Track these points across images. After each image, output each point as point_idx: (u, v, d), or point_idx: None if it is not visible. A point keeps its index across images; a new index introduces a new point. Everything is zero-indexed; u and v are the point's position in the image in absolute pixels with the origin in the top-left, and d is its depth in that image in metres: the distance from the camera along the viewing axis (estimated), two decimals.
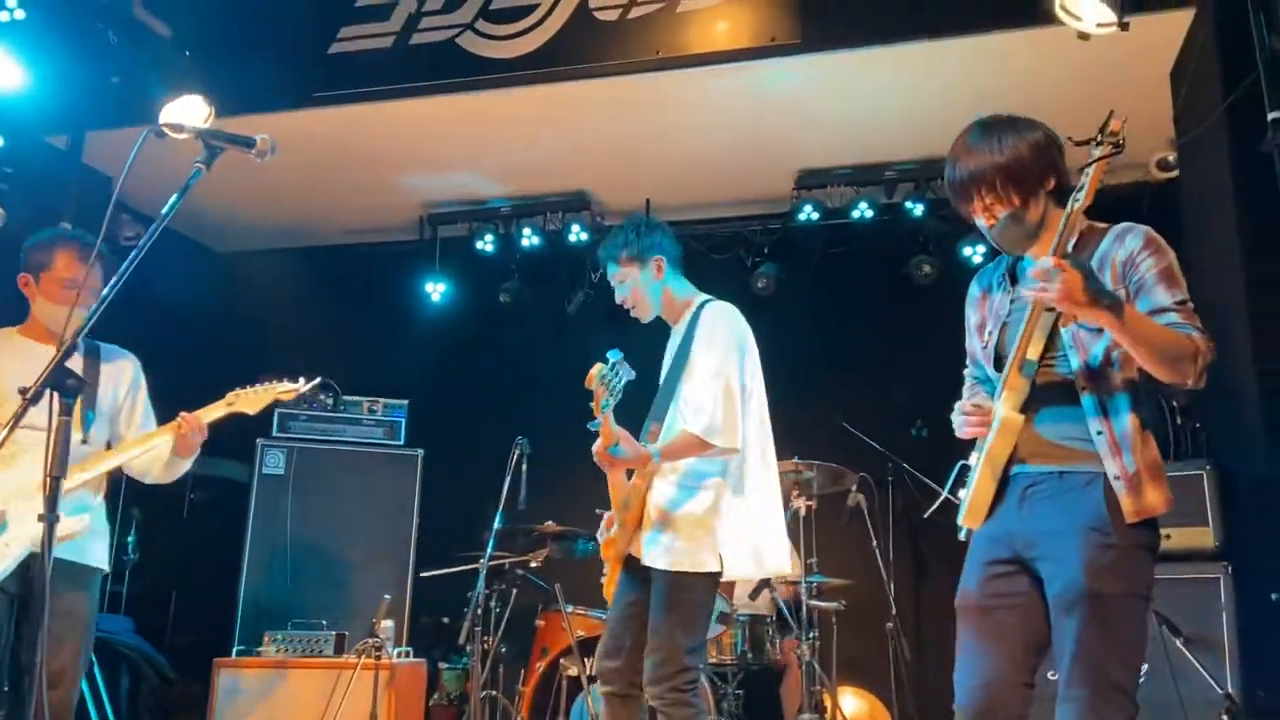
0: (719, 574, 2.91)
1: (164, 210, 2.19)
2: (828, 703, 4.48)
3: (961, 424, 2.31)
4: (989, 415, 2.26)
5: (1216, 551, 3.50)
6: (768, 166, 5.54)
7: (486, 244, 5.96)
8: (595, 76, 4.71)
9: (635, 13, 4.67)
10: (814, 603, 4.38)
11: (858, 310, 5.80)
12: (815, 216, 5.52)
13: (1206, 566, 3.47)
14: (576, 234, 5.80)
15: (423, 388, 5.83)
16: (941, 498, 2.43)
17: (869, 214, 5.49)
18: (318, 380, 2.93)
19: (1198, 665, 3.31)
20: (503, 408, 5.77)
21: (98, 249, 2.76)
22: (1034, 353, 2.20)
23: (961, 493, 2.30)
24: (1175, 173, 4.84)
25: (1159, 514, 2.11)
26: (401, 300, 6.12)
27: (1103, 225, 2.24)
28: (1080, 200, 2.09)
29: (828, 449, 4.90)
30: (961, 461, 2.35)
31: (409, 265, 6.14)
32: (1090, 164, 2.08)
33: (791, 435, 5.20)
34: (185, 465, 3.08)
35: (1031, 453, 2.22)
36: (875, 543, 4.80)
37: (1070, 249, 2.15)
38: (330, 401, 5.43)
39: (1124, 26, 3.62)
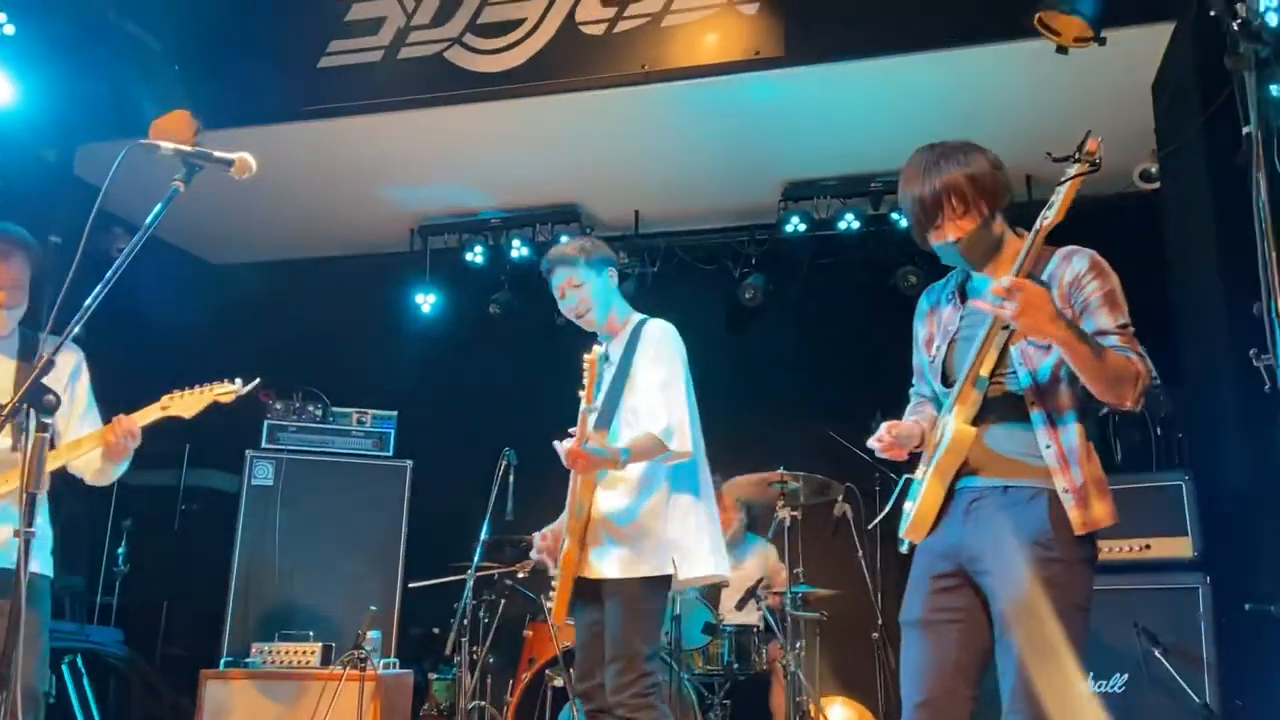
0: (671, 578, 2.96)
1: (146, 221, 2.22)
2: (813, 711, 4.49)
3: (875, 446, 2.35)
4: (906, 442, 2.30)
5: (1196, 562, 3.53)
6: (755, 178, 5.57)
7: (476, 255, 5.99)
8: (582, 90, 4.74)
9: (621, 27, 4.71)
10: (798, 613, 4.39)
11: (845, 320, 5.83)
12: (802, 227, 5.55)
13: (1186, 577, 3.49)
14: None
15: (412, 398, 5.84)
16: (885, 511, 2.46)
17: (856, 225, 5.53)
18: (257, 381, 2.83)
19: (1175, 675, 3.33)
20: (491, 418, 5.80)
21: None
22: (986, 369, 2.24)
23: (906, 505, 2.34)
24: (1157, 184, 4.87)
25: (1105, 526, 2.15)
26: (392, 311, 6.15)
27: (1050, 247, 2.28)
28: (1050, 217, 2.12)
29: (814, 459, 4.92)
30: (906, 475, 2.39)
31: (399, 276, 6.16)
32: (1064, 181, 2.11)
33: (778, 446, 5.26)
34: (118, 470, 2.94)
35: (980, 466, 2.26)
36: (861, 553, 4.82)
37: (1014, 270, 2.19)
38: (319, 413, 5.50)
39: (1101, 42, 3.66)
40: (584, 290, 3.16)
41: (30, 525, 1.93)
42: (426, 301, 6.06)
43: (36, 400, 1.97)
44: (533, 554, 3.23)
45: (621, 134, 5.17)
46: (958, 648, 2.20)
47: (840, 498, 4.73)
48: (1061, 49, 3.76)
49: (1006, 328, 2.20)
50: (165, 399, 2.83)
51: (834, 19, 4.53)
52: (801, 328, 5.93)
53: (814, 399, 5.70)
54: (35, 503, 1.95)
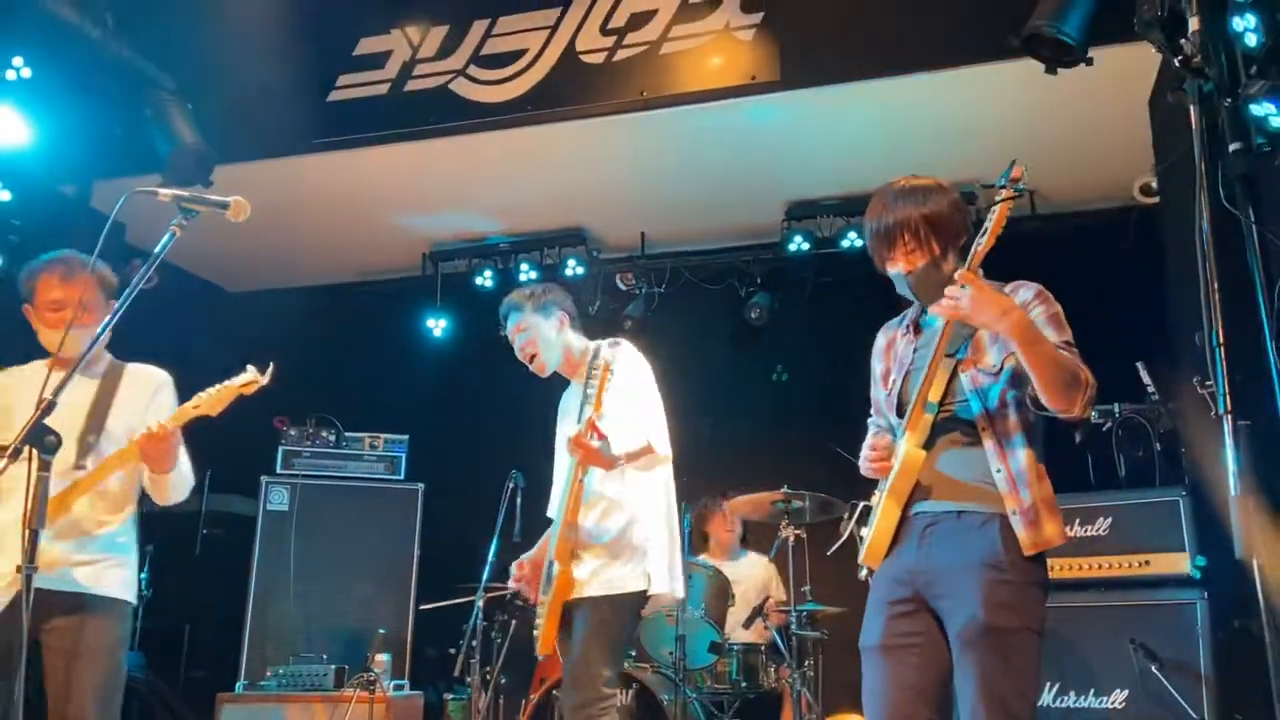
0: (645, 594, 3.04)
1: (150, 256, 2.33)
2: None
3: (865, 464, 2.40)
4: (889, 454, 2.34)
5: (1194, 578, 3.52)
6: (757, 198, 5.63)
7: (486, 280, 6.08)
8: (583, 118, 4.83)
9: (620, 55, 4.80)
10: (801, 632, 4.41)
11: (850, 338, 5.81)
12: (806, 246, 5.60)
13: (1183, 593, 3.49)
14: (573, 268, 5.91)
15: (423, 422, 5.93)
16: (842, 539, 2.50)
17: (859, 243, 5.56)
18: (270, 366, 2.85)
19: (1173, 691, 3.33)
20: (501, 441, 5.85)
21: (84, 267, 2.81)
22: (935, 395, 2.29)
23: (863, 532, 2.38)
24: (1158, 198, 4.88)
25: (1055, 545, 2.20)
26: (404, 336, 6.25)
27: (997, 283, 2.33)
28: (983, 242, 2.22)
29: (819, 477, 4.95)
30: (863, 502, 2.43)
31: (411, 302, 6.26)
32: (993, 206, 2.19)
33: (783, 464, 5.29)
34: (175, 485, 2.93)
35: (932, 491, 2.30)
36: (865, 570, 4.82)
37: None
38: (332, 438, 5.60)
39: (1088, 62, 3.69)
40: (530, 334, 3.26)
41: (32, 561, 2.02)
42: (438, 326, 6.15)
43: (39, 440, 2.06)
44: (511, 584, 3.30)
45: (625, 158, 5.25)
46: (917, 672, 2.24)
47: (846, 515, 4.74)
48: (1051, 70, 3.80)
49: (952, 355, 2.27)
50: (195, 399, 2.81)
51: (828, 43, 4.59)
52: (807, 345, 5.96)
53: (820, 416, 5.71)
54: (38, 540, 2.03)
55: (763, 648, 4.68)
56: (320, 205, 5.64)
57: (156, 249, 2.37)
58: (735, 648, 4.57)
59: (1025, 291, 2.32)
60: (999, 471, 2.22)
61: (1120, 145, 4.82)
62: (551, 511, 3.42)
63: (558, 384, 3.51)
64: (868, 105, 4.74)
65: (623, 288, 6.20)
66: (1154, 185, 4.84)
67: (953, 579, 2.21)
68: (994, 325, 2.17)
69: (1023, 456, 2.23)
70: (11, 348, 4.14)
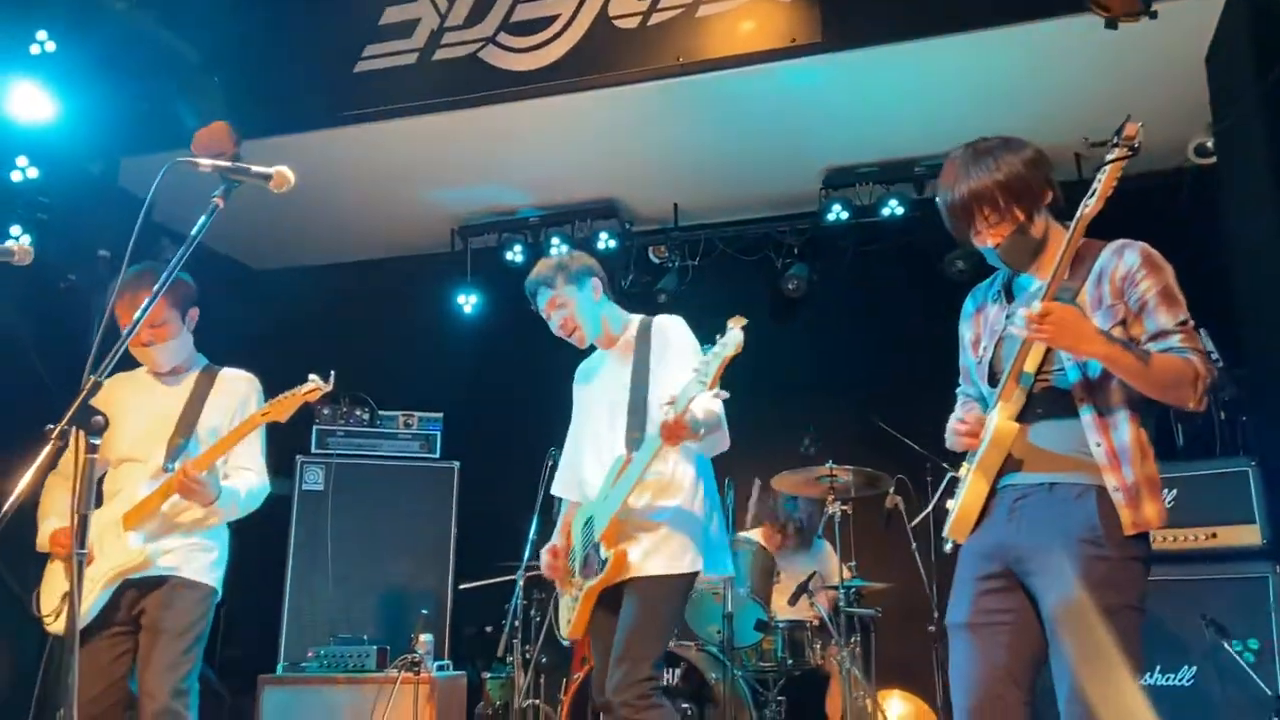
0: (696, 575, 2.99)
1: (189, 235, 2.23)
2: (870, 708, 4.43)
3: (953, 437, 2.30)
4: (979, 427, 2.23)
5: (1264, 550, 3.41)
6: (794, 166, 5.49)
7: (516, 254, 5.97)
8: (617, 85, 4.70)
9: (655, 19, 4.66)
10: (851, 609, 4.33)
11: (891, 309, 5.73)
12: (845, 215, 5.46)
13: (1254, 565, 3.38)
14: (605, 241, 5.79)
15: (457, 399, 5.86)
16: (927, 509, 2.41)
17: (899, 211, 5.43)
18: (333, 374, 2.94)
19: (1245, 667, 3.23)
20: (536, 417, 5.76)
21: (162, 281, 2.80)
22: (1031, 365, 2.18)
23: (949, 504, 2.28)
24: (1214, 159, 4.71)
25: (1154, 527, 2.09)
26: (434, 313, 6.16)
27: (1098, 241, 2.23)
28: (1090, 205, 2.07)
29: (863, 451, 4.86)
30: (951, 474, 2.33)
31: (441, 278, 6.17)
32: (1103, 166, 2.05)
33: (828, 438, 5.19)
34: (212, 510, 3.02)
35: (1024, 464, 2.20)
36: (914, 545, 4.74)
37: (1067, 266, 2.13)
38: (367, 417, 5.54)
39: (1152, 15, 3.54)
40: (568, 309, 3.15)
41: (82, 547, 1.95)
42: (468, 302, 6.06)
43: (84, 422, 1.98)
44: (544, 571, 3.23)
45: (658, 127, 5.12)
46: (1007, 651, 2.15)
47: (891, 490, 4.65)
48: (1111, 23, 3.65)
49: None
50: (265, 406, 2.96)
51: (870, 3, 4.44)
52: (847, 317, 5.84)
53: (862, 390, 5.61)
54: (87, 525, 1.95)
55: (809, 625, 4.61)
56: (346, 180, 5.54)
57: (199, 222, 2.27)
58: (781, 625, 4.50)
59: (1131, 255, 2.18)
60: (1099, 445, 2.11)
61: (1174, 106, 4.66)
62: (566, 490, 3.33)
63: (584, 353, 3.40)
64: (910, 68, 4.58)
65: (655, 261, 6.08)
66: (1210, 146, 4.68)
67: (1046, 555, 2.11)
68: (1076, 353, 2.09)
69: (1126, 431, 2.12)
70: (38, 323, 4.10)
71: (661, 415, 2.77)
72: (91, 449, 1.98)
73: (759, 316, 6.33)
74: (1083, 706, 2.02)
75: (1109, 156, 2.05)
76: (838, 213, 5.46)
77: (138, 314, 2.18)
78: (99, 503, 3.08)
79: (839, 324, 5.86)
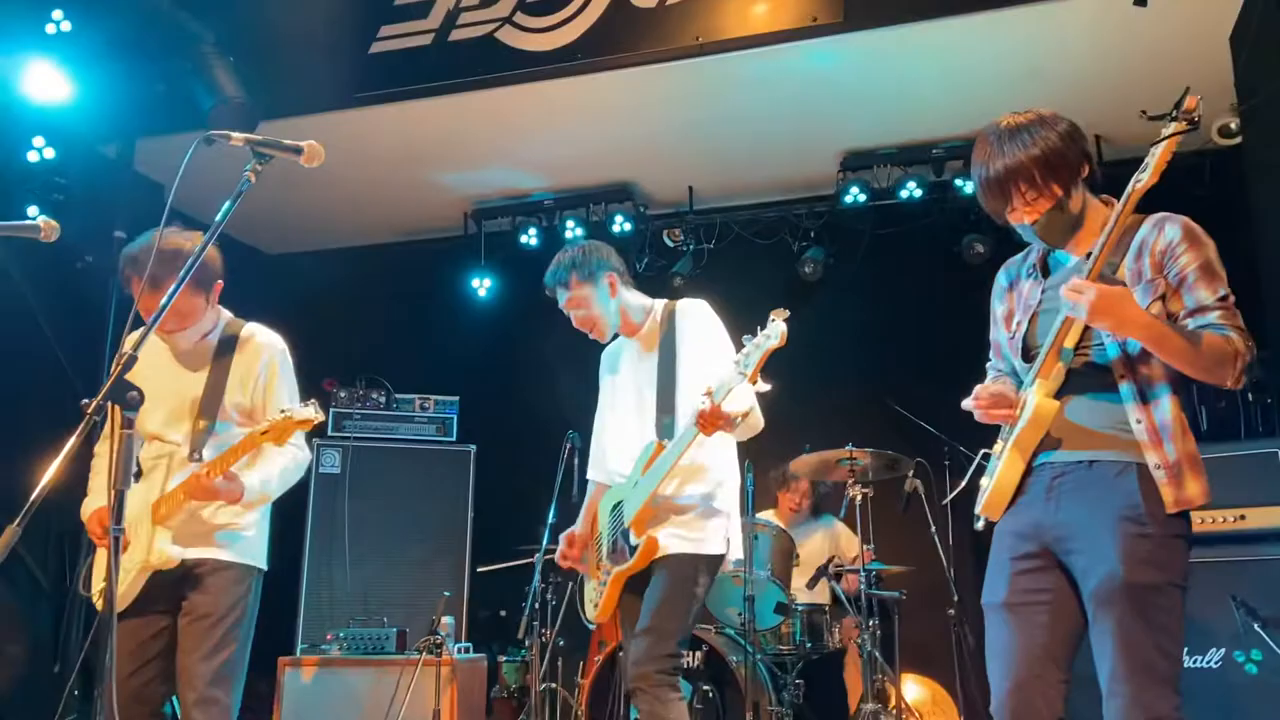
0: (723, 557, 2.98)
1: (217, 217, 2.19)
2: (890, 692, 4.42)
3: (972, 406, 2.26)
4: (1001, 400, 2.20)
5: None
6: (812, 149, 5.46)
7: (530, 238, 5.95)
8: (635, 65, 4.67)
9: None
10: (873, 592, 4.32)
11: (909, 292, 5.70)
12: (862, 198, 5.43)
13: None
14: (620, 224, 5.77)
15: (472, 382, 5.84)
16: (961, 486, 2.38)
17: (918, 193, 5.39)
18: (314, 401, 2.78)
19: (1275, 648, 3.21)
20: (551, 400, 5.76)
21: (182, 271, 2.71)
22: (1070, 340, 2.14)
23: (983, 481, 2.26)
24: (1238, 139, 4.68)
25: (1197, 505, 2.06)
26: (449, 296, 6.14)
27: (1138, 214, 2.17)
28: (1144, 179, 2.02)
29: (881, 435, 4.83)
30: (985, 450, 2.30)
31: (455, 261, 6.15)
32: (1160, 141, 2.00)
33: (845, 422, 5.17)
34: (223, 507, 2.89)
35: (1062, 441, 2.16)
36: (934, 529, 4.72)
37: (1099, 243, 2.10)
38: (383, 400, 5.52)
39: None
40: (587, 307, 3.13)
41: (119, 523, 1.92)
42: (482, 285, 6.03)
43: (120, 397, 1.95)
44: (559, 560, 3.21)
45: (675, 109, 5.08)
46: (1046, 631, 2.12)
47: (910, 473, 4.63)
48: (1140, 0, 3.60)
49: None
50: (261, 425, 2.74)
51: None
52: (864, 301, 5.81)
53: (878, 374, 5.59)
54: (124, 501, 1.93)
55: (826, 607, 4.60)
56: (360, 162, 5.51)
57: (233, 194, 2.22)
58: (800, 608, 4.49)
59: (1172, 228, 2.13)
60: (1139, 422, 2.08)
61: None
62: (598, 475, 3.32)
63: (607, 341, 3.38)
64: (930, 48, 4.55)
65: (670, 244, 6.05)
66: (1234, 126, 4.64)
67: (1087, 534, 2.08)
68: (1118, 332, 2.06)
69: (1167, 407, 2.08)
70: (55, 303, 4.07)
71: (700, 404, 2.75)
72: (128, 424, 1.96)
73: (775, 300, 6.28)
74: (1128, 687, 1.99)
75: (1166, 130, 2.00)
76: (855, 195, 5.43)
77: (161, 305, 2.11)
78: (138, 476, 2.99)
79: (856, 308, 5.83)
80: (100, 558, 2.90)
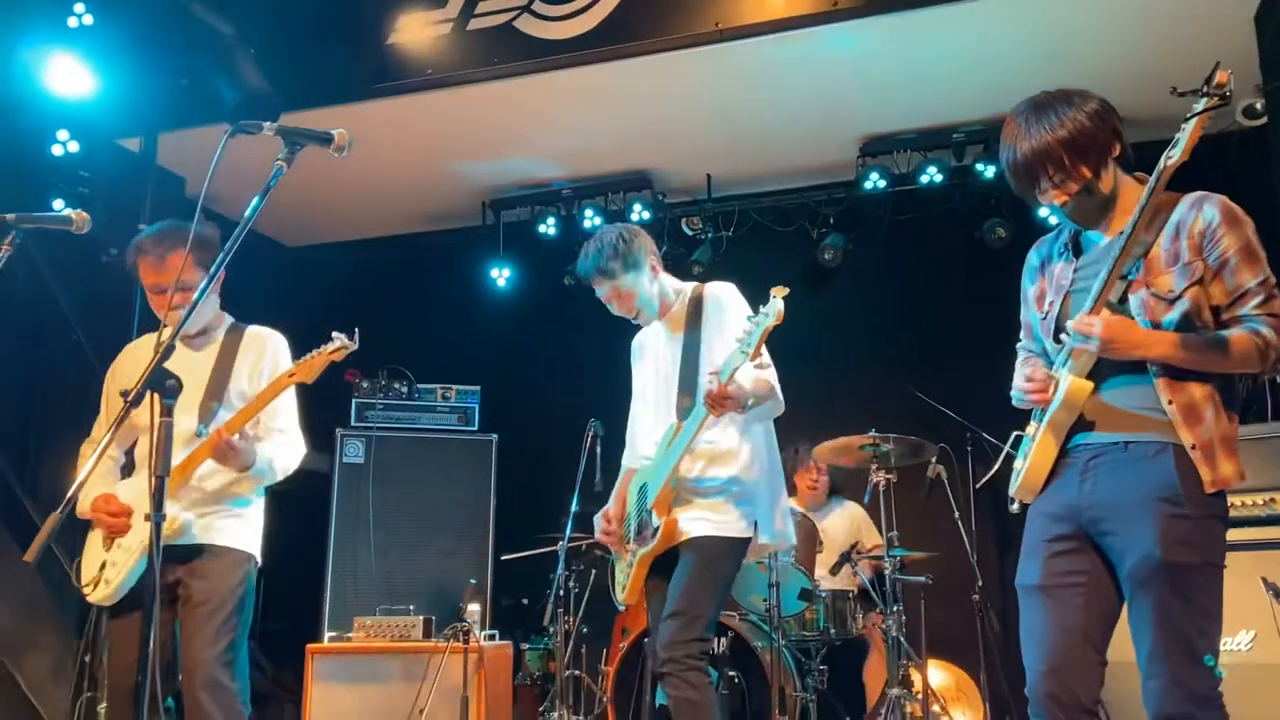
0: (750, 542, 2.98)
1: (253, 202, 2.21)
2: (915, 677, 4.43)
3: (1021, 395, 2.26)
4: (1048, 383, 2.20)
5: None
6: (831, 135, 5.43)
7: (549, 227, 5.95)
8: (654, 52, 4.65)
9: None
10: (898, 577, 4.32)
11: (930, 278, 5.69)
12: (882, 184, 5.41)
13: None
14: (639, 213, 5.76)
15: (493, 372, 5.87)
16: (994, 469, 2.38)
17: (938, 178, 5.37)
18: (357, 331, 2.84)
19: None
20: (572, 389, 5.79)
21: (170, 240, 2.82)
22: None
23: (1016, 464, 2.26)
24: (1263, 120, 4.63)
25: (1232, 485, 2.07)
26: (468, 287, 6.15)
27: (1174, 193, 2.17)
28: (1175, 156, 2.01)
29: (903, 421, 4.83)
30: (1017, 432, 2.30)
31: (474, 252, 6.16)
32: (1191, 118, 1.99)
33: (867, 408, 5.17)
34: (247, 476, 2.93)
35: (1096, 423, 2.17)
36: (958, 514, 4.72)
37: (1131, 223, 2.09)
38: (405, 390, 5.55)
39: None
40: (632, 297, 3.15)
41: (160, 509, 1.95)
42: (501, 275, 6.05)
43: (159, 385, 1.98)
44: (599, 537, 3.24)
45: (692, 96, 5.07)
46: (1082, 613, 2.13)
47: (934, 459, 4.63)
48: None
49: (1124, 277, 2.11)
50: (290, 368, 2.85)
51: None
52: (884, 287, 5.80)
53: (899, 359, 5.58)
54: (164, 487, 1.95)
55: (851, 594, 4.60)
56: (379, 154, 5.52)
57: (260, 193, 2.24)
58: (824, 594, 4.50)
59: (1210, 209, 2.12)
60: (1170, 404, 2.08)
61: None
62: (630, 459, 3.33)
63: (626, 329, 3.39)
64: (951, 30, 4.51)
65: (689, 232, 6.05)
66: (1259, 107, 4.60)
67: (1123, 515, 2.08)
68: (1134, 357, 2.07)
69: (1197, 389, 2.08)
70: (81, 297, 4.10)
71: (706, 385, 2.78)
72: (167, 411, 1.98)
73: (794, 287, 6.28)
74: (1167, 668, 2.00)
75: (1197, 106, 1.98)
76: (875, 181, 5.40)
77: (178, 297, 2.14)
78: (129, 471, 3.06)
79: (876, 294, 5.83)
80: (91, 546, 2.91)
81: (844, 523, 5.14)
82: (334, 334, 2.83)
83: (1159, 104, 4.93)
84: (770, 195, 5.96)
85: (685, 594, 2.87)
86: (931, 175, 5.35)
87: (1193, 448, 2.05)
